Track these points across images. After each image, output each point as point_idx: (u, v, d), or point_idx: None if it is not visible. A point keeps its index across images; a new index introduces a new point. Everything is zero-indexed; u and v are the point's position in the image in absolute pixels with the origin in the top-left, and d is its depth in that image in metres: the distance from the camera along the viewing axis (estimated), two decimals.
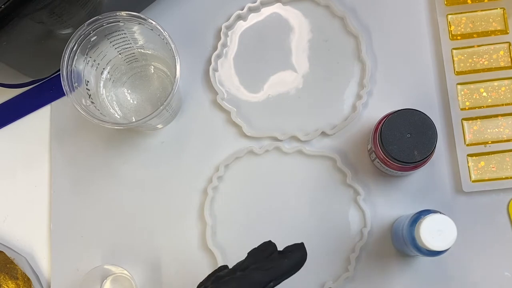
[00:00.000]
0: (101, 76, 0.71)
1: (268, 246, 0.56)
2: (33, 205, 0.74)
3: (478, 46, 0.72)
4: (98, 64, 0.69)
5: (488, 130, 0.71)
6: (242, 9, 0.74)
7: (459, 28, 0.73)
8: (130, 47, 0.70)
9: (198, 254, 0.72)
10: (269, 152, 0.73)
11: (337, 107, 0.73)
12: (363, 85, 0.72)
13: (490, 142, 0.71)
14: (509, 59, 0.72)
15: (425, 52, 0.73)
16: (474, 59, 0.72)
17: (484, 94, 0.72)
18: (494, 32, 0.72)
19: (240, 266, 0.55)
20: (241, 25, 0.75)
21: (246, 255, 0.56)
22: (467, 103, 0.72)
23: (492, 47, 0.72)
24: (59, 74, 0.64)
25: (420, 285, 0.70)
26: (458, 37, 0.73)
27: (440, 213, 0.60)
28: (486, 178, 0.70)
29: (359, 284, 0.70)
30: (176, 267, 0.71)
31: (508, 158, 0.70)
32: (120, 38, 0.68)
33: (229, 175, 0.73)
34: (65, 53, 0.64)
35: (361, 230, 0.70)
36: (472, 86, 0.72)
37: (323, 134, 0.73)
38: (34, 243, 0.73)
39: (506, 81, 0.72)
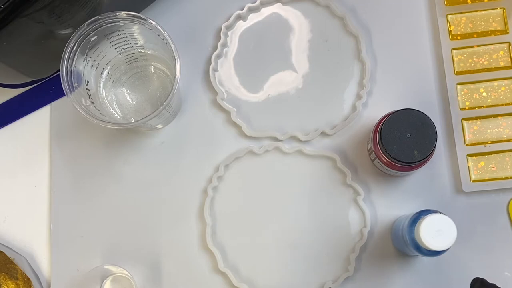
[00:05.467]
0: (101, 76, 0.71)
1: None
2: (33, 205, 0.74)
3: (478, 46, 0.72)
4: (98, 64, 0.69)
5: (488, 130, 0.71)
6: (242, 9, 0.74)
7: (459, 28, 0.73)
8: (130, 47, 0.70)
9: (198, 254, 0.72)
10: (269, 152, 0.73)
11: (337, 107, 0.73)
12: (363, 85, 0.72)
13: (490, 142, 0.71)
14: (509, 59, 0.72)
15: (425, 52, 0.73)
16: (474, 59, 0.72)
17: (484, 94, 0.72)
18: (494, 32, 0.72)
19: None
20: (241, 25, 0.75)
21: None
22: (467, 103, 0.72)
23: (492, 47, 0.72)
24: (59, 74, 0.64)
25: (420, 285, 0.70)
26: (458, 37, 0.73)
27: (440, 213, 0.60)
28: (486, 178, 0.70)
29: (359, 284, 0.70)
30: (176, 267, 0.71)
31: (508, 158, 0.70)
32: (120, 38, 0.68)
33: (229, 175, 0.73)
34: (65, 53, 0.64)
35: (361, 230, 0.71)
36: (472, 86, 0.72)
37: (323, 134, 0.73)
38: (34, 243, 0.73)
39: (506, 81, 0.72)
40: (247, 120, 0.73)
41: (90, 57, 0.67)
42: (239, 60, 0.74)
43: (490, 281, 0.69)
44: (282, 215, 0.72)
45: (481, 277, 0.60)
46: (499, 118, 0.71)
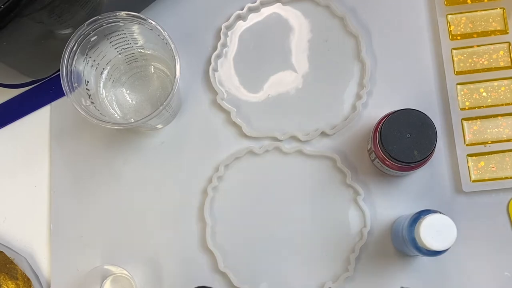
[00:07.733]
0: (101, 76, 0.71)
1: None
2: (33, 205, 0.74)
3: (478, 46, 0.72)
4: (98, 64, 0.69)
5: (488, 130, 0.71)
6: (242, 9, 0.74)
7: (459, 28, 0.73)
8: (130, 47, 0.70)
9: (198, 254, 0.72)
10: (269, 152, 0.73)
11: (337, 107, 0.73)
12: (363, 85, 0.72)
13: (490, 142, 0.71)
14: (509, 59, 0.72)
15: (425, 52, 0.73)
16: (474, 59, 0.72)
17: (484, 94, 0.72)
18: (494, 32, 0.72)
19: None
20: (241, 25, 0.75)
21: None
22: (467, 103, 0.72)
23: (492, 47, 0.72)
24: (59, 74, 0.64)
25: (420, 285, 0.70)
26: (458, 37, 0.73)
27: (440, 213, 0.60)
28: (486, 178, 0.70)
29: (359, 284, 0.70)
30: (176, 267, 0.71)
31: (508, 158, 0.70)
32: (120, 38, 0.68)
33: (229, 175, 0.73)
34: (65, 53, 0.64)
35: (361, 230, 0.71)
36: (472, 86, 0.72)
37: (323, 134, 0.73)
38: (34, 243, 0.73)
39: (506, 81, 0.72)
40: (247, 120, 0.73)
41: (90, 57, 0.67)
42: (239, 60, 0.74)
43: (490, 281, 0.70)
44: (282, 215, 0.72)
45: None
46: (499, 118, 0.71)
